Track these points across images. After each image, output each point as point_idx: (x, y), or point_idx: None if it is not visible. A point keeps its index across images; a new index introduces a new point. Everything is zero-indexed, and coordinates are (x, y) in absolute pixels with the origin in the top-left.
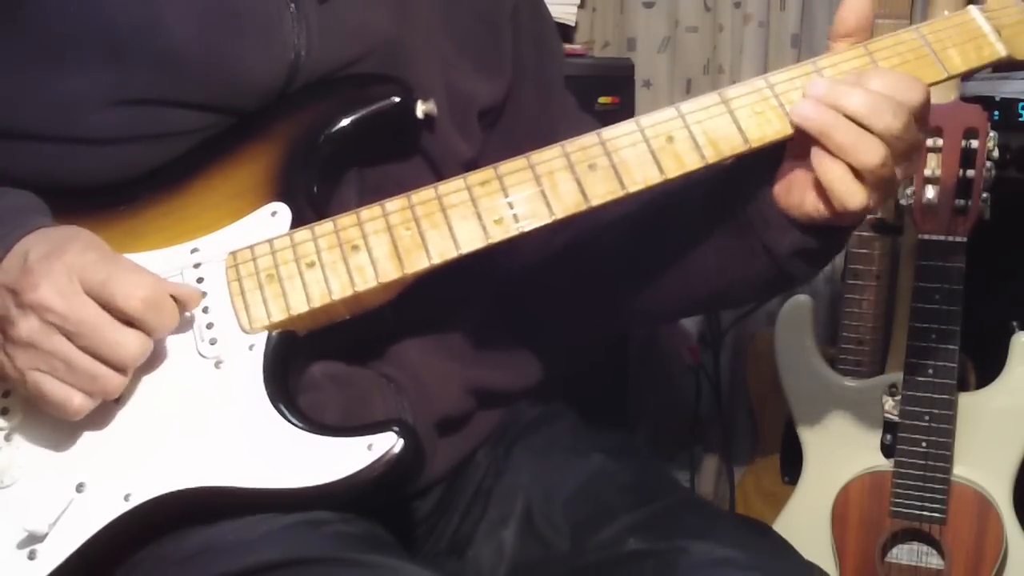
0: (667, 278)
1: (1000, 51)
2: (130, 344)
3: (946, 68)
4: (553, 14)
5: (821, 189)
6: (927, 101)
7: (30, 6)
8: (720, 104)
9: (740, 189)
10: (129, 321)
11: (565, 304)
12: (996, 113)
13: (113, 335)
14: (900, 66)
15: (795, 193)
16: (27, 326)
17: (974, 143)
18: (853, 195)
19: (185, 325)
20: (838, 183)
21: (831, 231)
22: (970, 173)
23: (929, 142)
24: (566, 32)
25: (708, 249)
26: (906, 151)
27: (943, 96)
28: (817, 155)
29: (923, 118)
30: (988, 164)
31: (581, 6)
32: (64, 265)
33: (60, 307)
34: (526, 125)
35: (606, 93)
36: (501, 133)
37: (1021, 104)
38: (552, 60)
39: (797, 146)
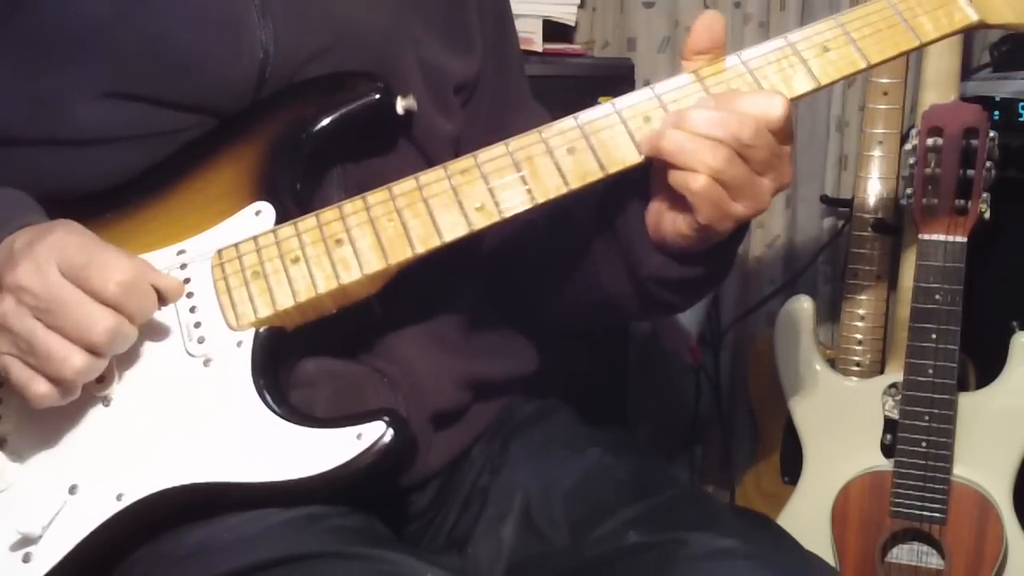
0: (564, 281)
1: (971, 16)
2: (99, 321)
3: (918, 35)
4: (553, 14)
5: (675, 204)
6: (783, 115)
7: (7, 8)
8: (695, 83)
9: (618, 205)
10: (107, 304)
11: (523, 293)
12: (996, 113)
13: (81, 311)
14: (872, 35)
15: (666, 217)
16: (2, 308)
17: (974, 143)
18: (692, 181)
19: (172, 324)
20: (678, 179)
21: (706, 258)
22: (970, 173)
23: (929, 142)
24: (566, 32)
25: (591, 259)
26: (767, 159)
27: (943, 96)
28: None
29: (781, 130)
30: (988, 164)
31: (581, 6)
32: (45, 246)
33: (34, 286)
34: (485, 106)
35: (606, 93)
36: (469, 113)
37: (1021, 104)
38: (510, 40)
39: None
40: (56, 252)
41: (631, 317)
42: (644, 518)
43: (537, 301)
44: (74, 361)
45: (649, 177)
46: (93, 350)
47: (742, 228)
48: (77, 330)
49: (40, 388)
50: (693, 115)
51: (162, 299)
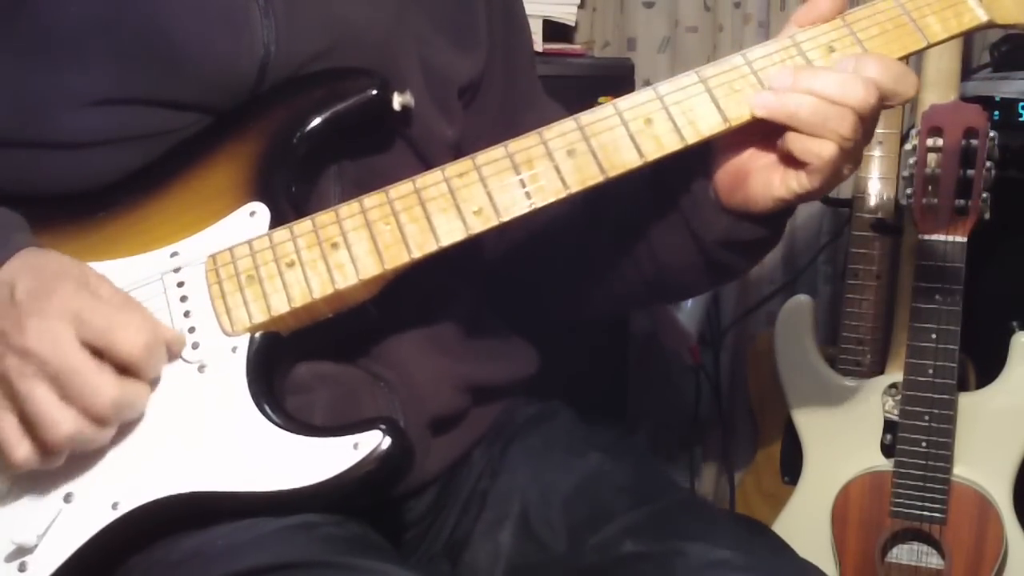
0: (605, 263)
1: (980, 16)
2: (107, 392)
3: (926, 36)
4: (553, 14)
5: (788, 165)
6: (910, 89)
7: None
8: (698, 83)
9: (678, 176)
10: (124, 368)
11: (532, 291)
12: (996, 113)
13: (89, 381)
14: (879, 36)
15: (754, 178)
16: (5, 364)
17: (974, 143)
18: (829, 158)
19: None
20: (811, 147)
21: (770, 220)
22: (970, 173)
23: (929, 142)
24: (566, 32)
25: (642, 234)
26: (871, 125)
27: (943, 96)
28: (787, 138)
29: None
30: (988, 164)
31: (581, 6)
32: (56, 306)
33: (45, 352)
34: (494, 105)
35: (606, 93)
36: (474, 113)
37: (1021, 104)
38: (519, 36)
39: (749, 139)
40: (70, 313)
41: (682, 291)
42: (642, 526)
43: (555, 293)
44: (65, 427)
45: (712, 143)
46: (97, 420)
47: None
48: (81, 399)
49: (18, 453)
50: (824, 79)
51: (171, 353)
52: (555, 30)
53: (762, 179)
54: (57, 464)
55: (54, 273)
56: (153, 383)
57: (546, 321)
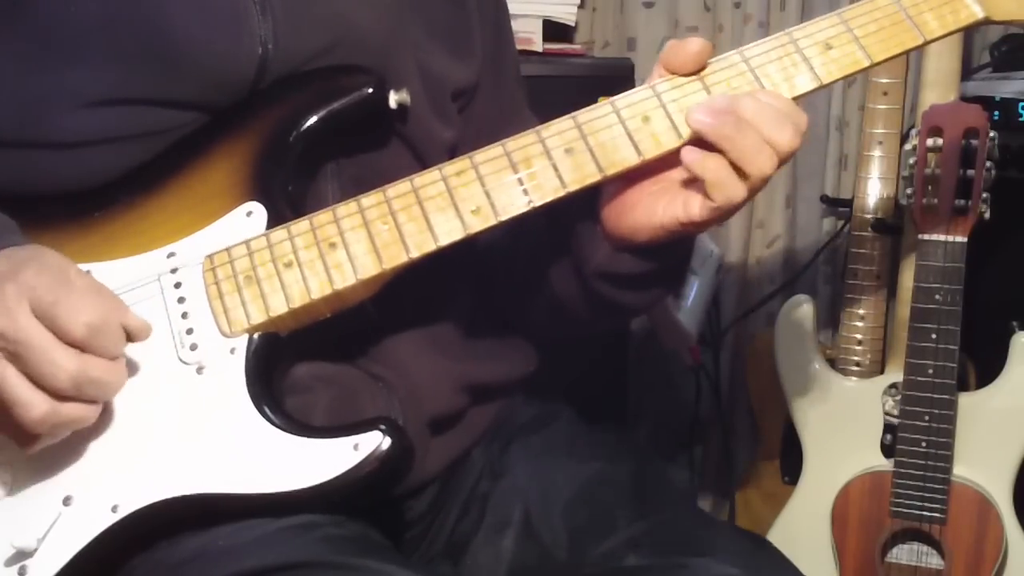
0: (524, 288)
1: (977, 13)
2: (63, 366)
3: (923, 33)
4: (553, 14)
5: (680, 190)
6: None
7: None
8: (695, 81)
9: (572, 203)
10: (75, 345)
11: (505, 298)
12: (996, 113)
13: (45, 356)
14: (875, 32)
15: (641, 204)
16: None
17: (974, 143)
18: (737, 191)
19: (164, 331)
20: (724, 181)
21: (655, 255)
22: (970, 173)
23: (929, 142)
24: (566, 32)
25: (543, 261)
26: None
27: (943, 96)
28: (706, 157)
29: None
30: (988, 164)
31: (581, 6)
32: (15, 286)
33: (6, 329)
34: (482, 114)
35: (606, 93)
36: (463, 120)
37: (1021, 104)
38: (507, 50)
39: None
40: (27, 291)
41: (580, 325)
42: (644, 538)
43: (516, 307)
44: (36, 409)
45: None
46: (57, 395)
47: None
48: (40, 376)
49: (21, 440)
50: (752, 105)
51: (131, 337)
52: (555, 30)
53: (647, 205)
54: (41, 445)
55: (25, 260)
56: (133, 368)
57: (524, 330)
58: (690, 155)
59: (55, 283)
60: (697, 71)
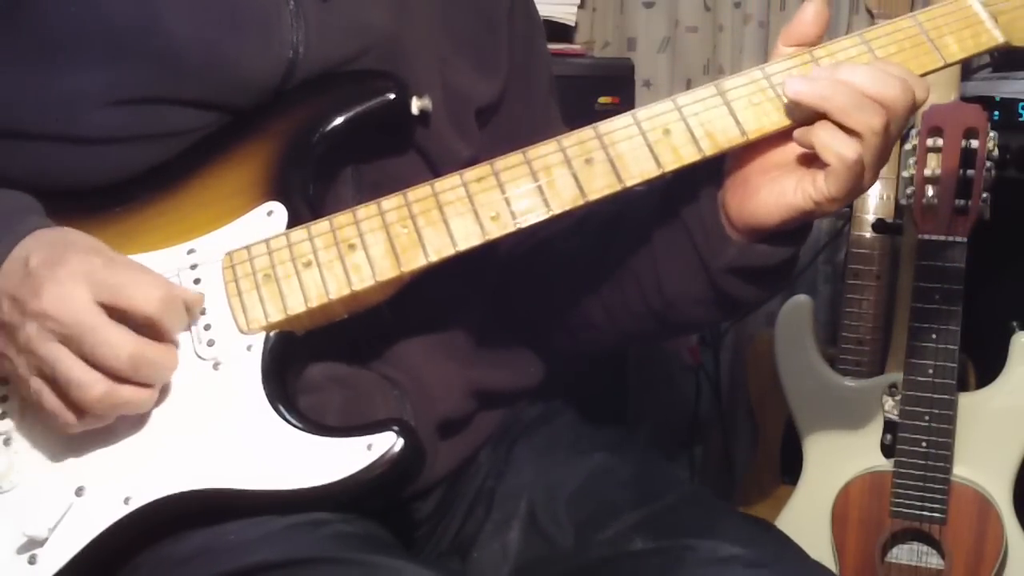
0: (608, 290)
1: (998, 37)
2: (123, 347)
3: (943, 56)
4: (553, 14)
5: (805, 169)
6: (923, 99)
7: (28, 5)
8: (716, 96)
9: (685, 198)
10: (143, 325)
11: (532, 313)
12: (996, 113)
13: (101, 337)
14: (896, 54)
15: (767, 187)
16: (25, 333)
17: (974, 143)
18: (847, 148)
19: (182, 327)
20: (831, 140)
21: (785, 239)
22: (970, 173)
23: (929, 142)
24: (566, 32)
25: (650, 261)
26: (897, 129)
27: (943, 96)
28: (815, 127)
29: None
30: (988, 164)
31: (581, 6)
32: (68, 270)
33: (60, 313)
34: (509, 128)
35: (606, 93)
36: (488, 134)
37: (1021, 104)
38: (539, 65)
39: (761, 146)
40: (83, 275)
41: (687, 324)
42: (649, 523)
43: (553, 318)
44: (94, 388)
45: (726, 160)
46: (115, 376)
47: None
48: (98, 357)
49: (66, 418)
50: (861, 72)
51: (188, 312)
52: (555, 30)
53: (775, 187)
54: (101, 424)
55: (66, 244)
56: (177, 348)
57: (545, 349)
58: (798, 130)
59: (111, 264)
60: (819, 37)
